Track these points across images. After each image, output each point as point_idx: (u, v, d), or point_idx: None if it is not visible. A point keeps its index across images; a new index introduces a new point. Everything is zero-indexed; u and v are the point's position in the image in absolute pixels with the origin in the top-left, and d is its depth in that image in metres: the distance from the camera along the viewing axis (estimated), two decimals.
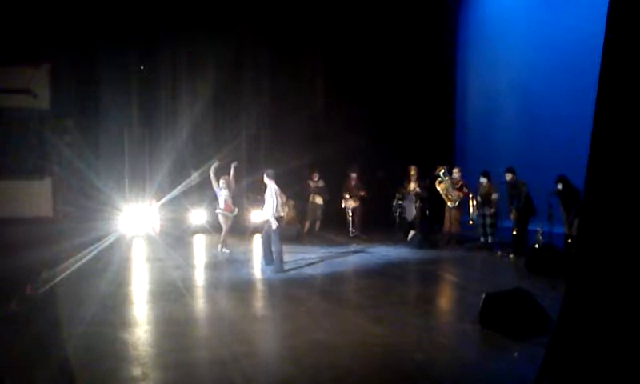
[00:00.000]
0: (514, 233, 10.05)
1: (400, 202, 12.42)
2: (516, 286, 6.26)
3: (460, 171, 11.56)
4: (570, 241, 9.23)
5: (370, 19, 14.19)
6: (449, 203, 11.28)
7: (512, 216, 10.07)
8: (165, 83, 14.03)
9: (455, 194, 11.17)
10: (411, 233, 11.67)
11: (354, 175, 12.69)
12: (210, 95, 13.56)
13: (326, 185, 13.11)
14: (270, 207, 8.72)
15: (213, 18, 13.47)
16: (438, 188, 11.35)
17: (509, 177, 10.08)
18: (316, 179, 13.08)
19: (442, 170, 11.32)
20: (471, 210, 11.00)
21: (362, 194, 12.57)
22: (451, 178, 11.34)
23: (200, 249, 11.59)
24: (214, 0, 13.57)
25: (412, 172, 12.19)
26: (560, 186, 9.34)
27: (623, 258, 3.24)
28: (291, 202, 12.49)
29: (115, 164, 13.18)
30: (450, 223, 11.42)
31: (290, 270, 8.75)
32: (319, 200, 13.08)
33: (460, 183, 11.30)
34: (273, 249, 8.74)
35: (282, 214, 9.06)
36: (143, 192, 13.14)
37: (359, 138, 13.33)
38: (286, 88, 14.22)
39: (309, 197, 13.11)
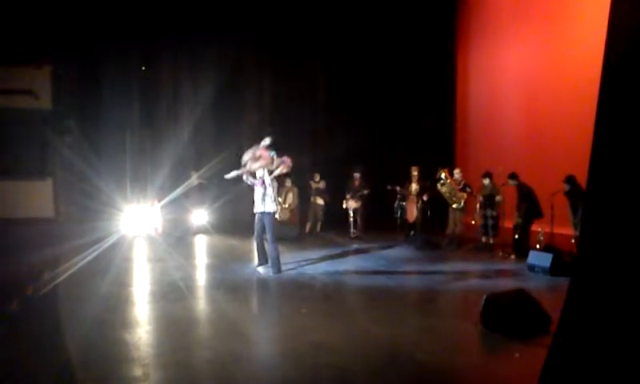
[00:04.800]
0: (516, 237, 10.00)
1: (401, 202, 12.42)
2: (517, 287, 6.26)
3: (461, 171, 11.55)
4: (573, 241, 9.18)
5: (371, 20, 14.20)
6: (454, 205, 11.21)
7: (518, 218, 10.01)
8: (166, 84, 14.06)
9: (459, 194, 11.12)
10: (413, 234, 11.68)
11: (357, 175, 12.68)
12: (211, 96, 13.58)
13: (327, 185, 13.12)
14: (267, 197, 8.27)
15: (214, 19, 13.49)
16: (441, 191, 11.29)
17: (513, 182, 10.05)
18: (317, 180, 13.09)
19: (444, 173, 11.26)
20: (477, 208, 10.95)
21: (366, 192, 12.54)
22: (453, 179, 11.31)
23: (201, 249, 11.59)
24: (216, 2, 13.59)
25: (414, 172, 12.17)
26: (568, 187, 9.14)
27: (626, 258, 3.22)
28: (295, 189, 12.53)
29: (117, 164, 13.21)
30: (454, 224, 11.37)
31: (287, 269, 8.72)
32: (320, 201, 13.09)
33: (462, 183, 11.28)
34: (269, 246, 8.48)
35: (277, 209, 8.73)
36: (145, 192, 13.16)
37: (360, 139, 13.33)
38: (287, 89, 14.25)
39: (310, 198, 13.12)
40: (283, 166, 8.45)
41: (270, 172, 8.39)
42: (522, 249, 9.65)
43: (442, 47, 14.57)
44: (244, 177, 8.41)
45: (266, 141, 8.38)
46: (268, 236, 8.41)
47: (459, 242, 11.25)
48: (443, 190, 11.26)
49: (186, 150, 13.77)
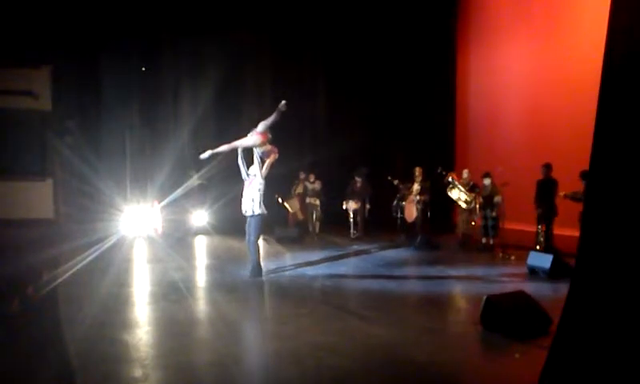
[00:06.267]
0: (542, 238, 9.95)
1: (400, 202, 12.40)
2: (517, 288, 6.25)
3: (469, 172, 11.55)
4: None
5: (371, 20, 14.20)
6: (464, 205, 11.17)
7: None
8: (166, 84, 14.05)
9: (469, 195, 11.08)
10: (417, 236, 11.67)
11: (358, 179, 12.65)
12: (212, 96, 13.57)
13: (327, 186, 13.10)
14: (256, 199, 8.03)
15: (214, 20, 13.49)
16: (452, 195, 11.24)
17: (545, 172, 9.99)
18: (312, 180, 13.05)
19: (451, 177, 11.23)
20: (477, 208, 10.93)
21: (369, 207, 12.62)
22: (461, 180, 11.29)
23: (201, 250, 11.58)
24: (216, 2, 13.59)
25: (416, 173, 12.15)
26: (585, 183, 8.66)
27: (626, 258, 3.22)
28: (306, 184, 12.69)
29: (117, 165, 13.19)
30: (466, 224, 11.34)
31: (287, 270, 8.70)
32: (316, 201, 13.08)
33: (471, 183, 11.27)
34: (251, 248, 8.23)
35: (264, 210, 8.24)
36: (145, 193, 13.15)
37: (360, 139, 13.32)
38: (287, 90, 14.22)
39: (305, 198, 13.13)
40: (274, 154, 8.18)
41: (262, 162, 8.07)
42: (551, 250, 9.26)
43: (442, 47, 14.56)
44: (239, 160, 8.18)
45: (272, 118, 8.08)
46: (251, 238, 8.17)
47: (461, 242, 11.23)
48: (453, 193, 11.20)
49: (186, 150, 13.75)
